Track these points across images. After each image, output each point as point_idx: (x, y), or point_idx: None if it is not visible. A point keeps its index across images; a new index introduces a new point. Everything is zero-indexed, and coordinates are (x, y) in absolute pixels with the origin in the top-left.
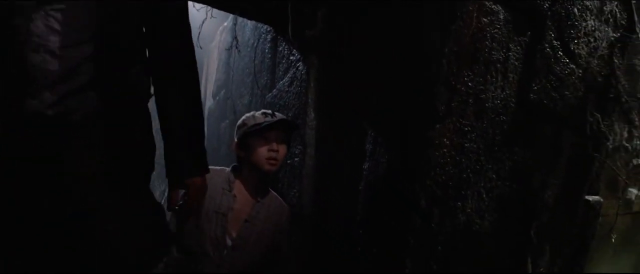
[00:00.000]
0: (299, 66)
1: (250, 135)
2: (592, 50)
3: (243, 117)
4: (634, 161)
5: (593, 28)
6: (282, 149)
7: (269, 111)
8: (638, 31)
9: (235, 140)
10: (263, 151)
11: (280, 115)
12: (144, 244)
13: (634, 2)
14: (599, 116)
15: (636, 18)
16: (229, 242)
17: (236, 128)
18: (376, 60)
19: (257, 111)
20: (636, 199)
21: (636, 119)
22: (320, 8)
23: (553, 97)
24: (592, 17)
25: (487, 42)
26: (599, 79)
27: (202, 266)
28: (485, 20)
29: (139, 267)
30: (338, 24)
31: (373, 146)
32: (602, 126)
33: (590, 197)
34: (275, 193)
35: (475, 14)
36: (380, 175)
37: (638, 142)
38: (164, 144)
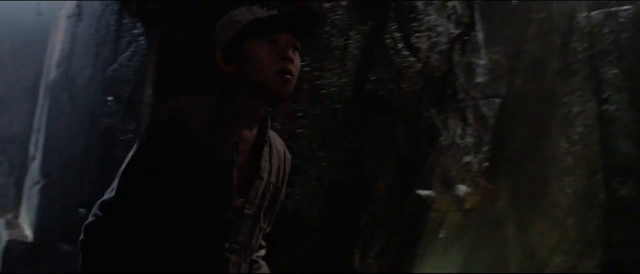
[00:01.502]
0: (141, 40)
1: (248, 37)
2: (433, 45)
3: (230, 14)
4: (465, 158)
5: (435, 23)
6: (297, 58)
7: (271, 2)
8: (477, 29)
9: (219, 50)
10: (270, 61)
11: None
12: None
13: (475, 0)
14: (434, 111)
15: (477, 16)
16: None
17: (218, 30)
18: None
19: (101, 86)
20: (465, 195)
21: (470, 116)
22: None
23: (390, 88)
24: (435, 12)
25: (327, 28)
26: (438, 74)
27: (198, 249)
28: (326, 5)
29: None
30: (182, 0)
31: None
32: (437, 121)
33: (422, 192)
34: None
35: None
36: None
37: (470, 139)
38: None
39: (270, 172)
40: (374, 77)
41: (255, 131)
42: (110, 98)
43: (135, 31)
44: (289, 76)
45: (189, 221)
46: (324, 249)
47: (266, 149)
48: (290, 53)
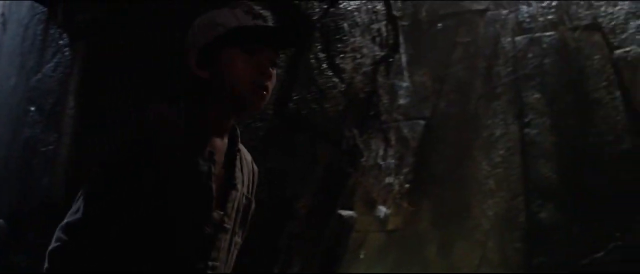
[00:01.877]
0: (66, 52)
1: (228, 44)
2: (358, 66)
3: (210, 14)
4: (387, 179)
5: (360, 44)
6: (274, 76)
7: (256, 9)
8: (401, 52)
9: (194, 52)
10: (249, 73)
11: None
12: None
13: (401, 24)
14: (357, 131)
15: (401, 38)
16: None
17: (196, 30)
18: (141, 52)
19: (24, 96)
20: (387, 216)
21: (393, 138)
22: None
23: (313, 108)
24: (360, 34)
25: None
26: (361, 95)
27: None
28: None
29: None
30: (110, 13)
31: None
32: (359, 142)
33: (343, 212)
34: None
35: None
36: None
37: (392, 161)
38: None
39: (242, 183)
40: (297, 97)
41: (226, 141)
42: (32, 108)
43: (61, 42)
44: (265, 92)
45: (167, 239)
46: (244, 268)
47: (239, 158)
48: (268, 69)
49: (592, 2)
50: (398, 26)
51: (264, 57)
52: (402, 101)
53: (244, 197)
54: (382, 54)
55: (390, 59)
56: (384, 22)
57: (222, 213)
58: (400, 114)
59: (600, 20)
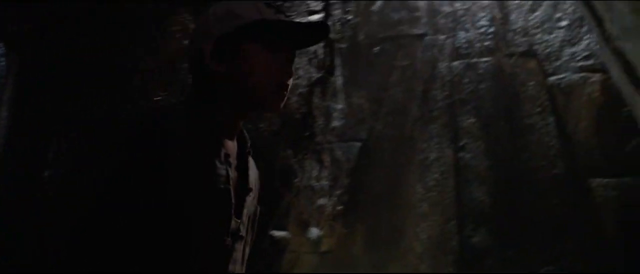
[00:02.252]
0: (1, 61)
1: (248, 38)
2: (293, 87)
3: (225, 5)
4: (320, 201)
5: (296, 66)
6: (293, 74)
7: (276, 2)
8: (337, 74)
9: (210, 43)
10: (272, 72)
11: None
12: None
13: (338, 46)
14: (291, 152)
15: (337, 61)
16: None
17: (211, 20)
18: (76, 67)
19: None
20: (319, 238)
21: (327, 159)
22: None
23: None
24: (297, 55)
25: (184, 65)
26: (296, 116)
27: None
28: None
29: None
30: (43, 24)
31: (55, 155)
32: (293, 162)
33: (276, 232)
34: None
35: (177, 35)
36: (58, 185)
37: (325, 182)
38: None
39: (254, 185)
40: None
41: (235, 142)
42: None
43: None
44: (286, 92)
45: (185, 253)
46: None
47: (251, 161)
48: (292, 69)
49: (529, 29)
50: (334, 49)
51: (287, 55)
52: (337, 123)
53: (254, 201)
54: (318, 76)
55: (326, 81)
56: (320, 45)
57: (238, 220)
58: (335, 135)
59: (535, 47)
